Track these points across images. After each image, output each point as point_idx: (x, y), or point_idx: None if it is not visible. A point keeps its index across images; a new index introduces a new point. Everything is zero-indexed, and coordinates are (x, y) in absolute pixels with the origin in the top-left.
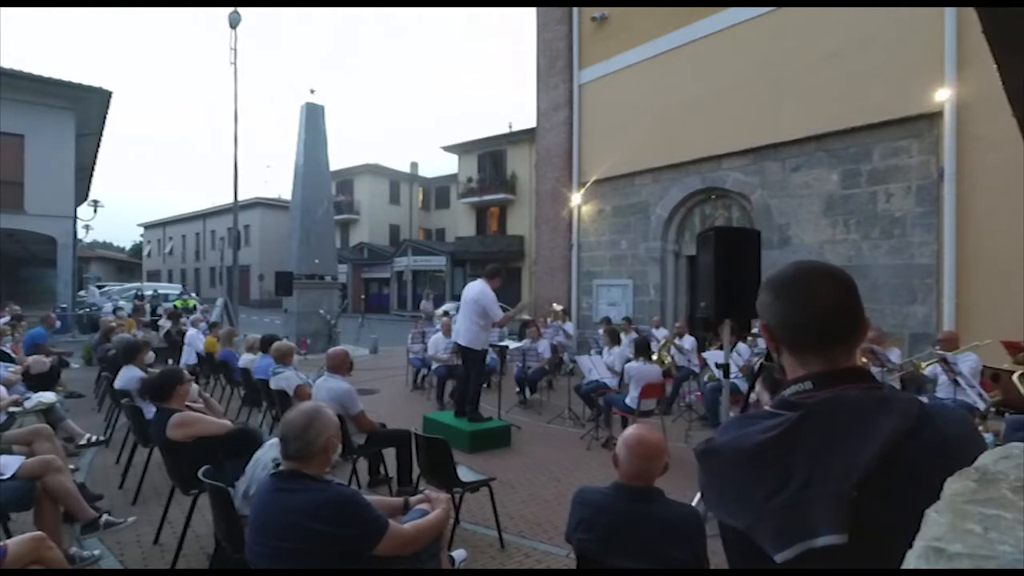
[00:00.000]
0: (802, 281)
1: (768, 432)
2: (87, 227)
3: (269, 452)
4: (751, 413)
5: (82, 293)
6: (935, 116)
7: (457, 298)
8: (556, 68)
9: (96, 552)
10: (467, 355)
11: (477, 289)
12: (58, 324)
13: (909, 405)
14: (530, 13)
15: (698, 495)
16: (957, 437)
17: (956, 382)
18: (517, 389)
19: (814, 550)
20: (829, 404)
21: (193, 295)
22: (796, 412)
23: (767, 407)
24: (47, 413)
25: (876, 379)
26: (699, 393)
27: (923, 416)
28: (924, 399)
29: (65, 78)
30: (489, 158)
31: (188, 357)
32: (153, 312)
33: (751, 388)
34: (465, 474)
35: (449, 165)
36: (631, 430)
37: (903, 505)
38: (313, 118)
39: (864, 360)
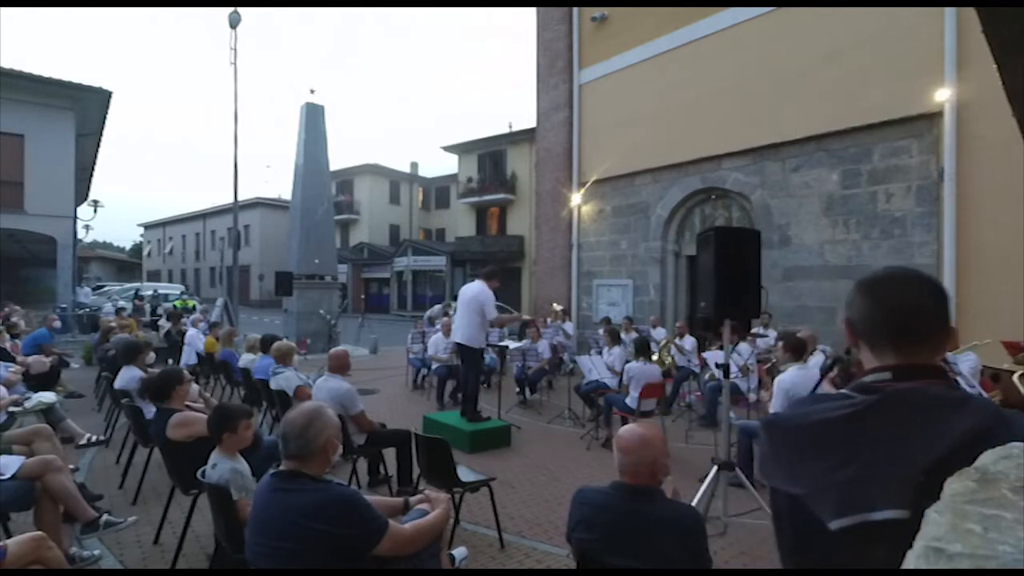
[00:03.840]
0: (887, 282)
1: (841, 410)
2: (87, 227)
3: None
4: (824, 393)
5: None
6: (935, 116)
7: (456, 299)
8: (556, 68)
9: (96, 552)
10: (465, 353)
11: (475, 289)
12: (58, 324)
13: (986, 406)
14: (530, 13)
15: (698, 494)
16: None
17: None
18: (517, 389)
19: (871, 523)
20: (907, 394)
21: (193, 296)
22: (872, 396)
23: (844, 389)
24: (47, 413)
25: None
26: (699, 393)
27: (999, 419)
28: None
29: (65, 78)
30: (489, 158)
31: (188, 357)
32: (153, 312)
33: (821, 379)
34: (465, 474)
35: (449, 165)
36: (620, 429)
37: None
38: (313, 118)
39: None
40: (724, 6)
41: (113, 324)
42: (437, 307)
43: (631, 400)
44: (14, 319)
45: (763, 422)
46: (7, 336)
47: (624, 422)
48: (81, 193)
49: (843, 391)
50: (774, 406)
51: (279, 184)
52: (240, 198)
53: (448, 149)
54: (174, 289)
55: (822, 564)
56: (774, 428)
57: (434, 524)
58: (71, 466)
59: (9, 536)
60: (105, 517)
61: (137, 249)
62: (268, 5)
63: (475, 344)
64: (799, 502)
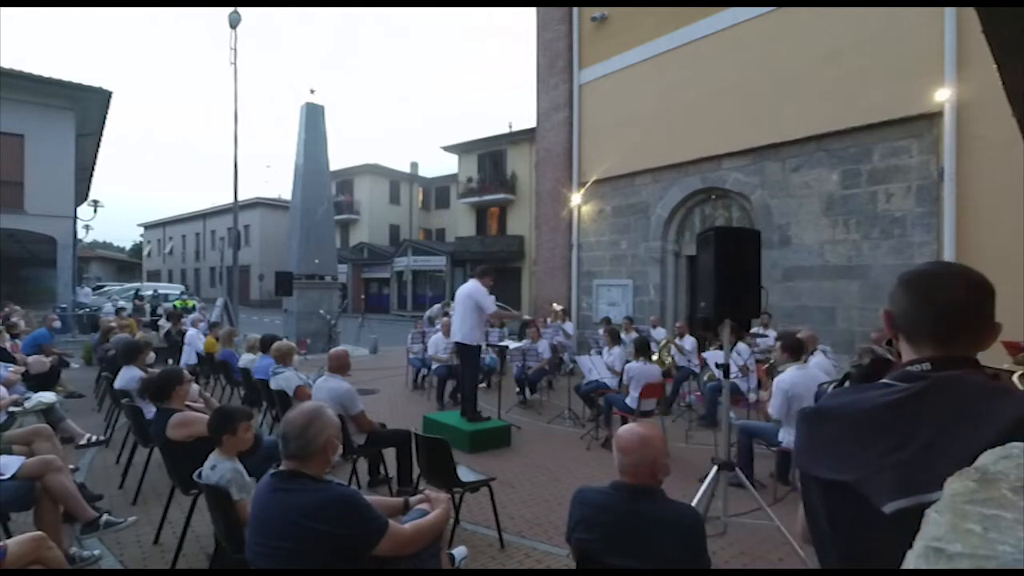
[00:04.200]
0: (930, 278)
1: (890, 396)
2: (87, 227)
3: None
4: (862, 385)
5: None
6: (935, 116)
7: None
8: (556, 68)
9: (96, 552)
10: (463, 351)
11: (470, 287)
12: (58, 324)
13: None
14: (530, 13)
15: (698, 494)
16: None
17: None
18: (517, 389)
19: (925, 504)
20: (954, 380)
21: (193, 296)
22: (920, 383)
23: (885, 379)
24: (47, 413)
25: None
26: (699, 393)
27: None
28: None
29: (65, 78)
30: (489, 158)
31: (188, 357)
32: (153, 312)
33: (867, 374)
34: (465, 474)
35: (449, 165)
36: (620, 429)
37: None
38: (313, 118)
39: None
40: (724, 6)
41: (113, 324)
42: (436, 307)
43: (631, 400)
44: (14, 319)
45: (804, 413)
46: (7, 336)
47: (624, 422)
48: (81, 193)
49: (884, 380)
50: (773, 406)
51: (279, 184)
52: (240, 198)
53: (448, 149)
54: (174, 289)
55: (863, 551)
56: (819, 418)
57: (434, 524)
58: (71, 466)
59: (9, 536)
60: (105, 517)
61: (137, 249)
62: (268, 5)
63: (472, 341)
64: (841, 489)
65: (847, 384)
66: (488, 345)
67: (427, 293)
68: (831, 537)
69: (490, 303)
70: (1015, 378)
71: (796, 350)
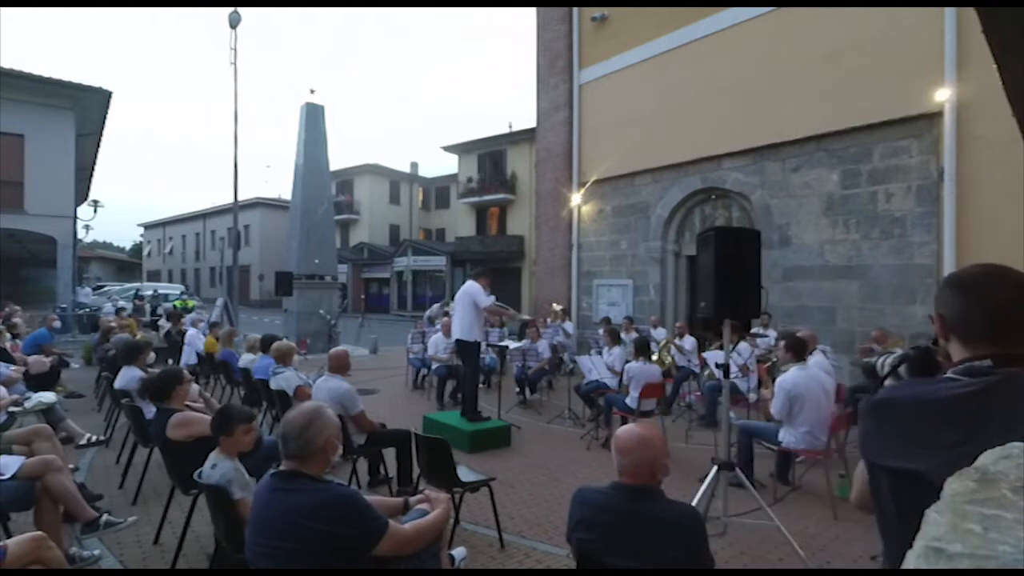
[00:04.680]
0: (982, 281)
1: (961, 389)
2: (87, 227)
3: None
4: (924, 378)
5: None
6: (935, 116)
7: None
8: (556, 68)
9: (96, 552)
10: (462, 349)
11: (466, 287)
12: (58, 324)
13: None
14: (530, 13)
15: (698, 494)
16: None
17: None
18: (517, 389)
19: None
20: (1020, 376)
21: (193, 296)
22: (989, 378)
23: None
24: (47, 413)
25: None
26: (699, 393)
27: None
28: None
29: (65, 78)
30: (489, 158)
31: (188, 357)
32: (153, 312)
33: (888, 376)
34: (465, 474)
35: (449, 165)
36: (618, 429)
37: None
38: (313, 118)
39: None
40: (724, 6)
41: (113, 324)
42: (436, 306)
43: (631, 400)
44: (15, 319)
45: (871, 403)
46: (7, 336)
47: (624, 422)
48: (81, 193)
49: (948, 375)
50: (775, 406)
51: (279, 184)
52: (240, 198)
53: (448, 149)
54: (174, 289)
55: None
56: (887, 407)
57: (434, 524)
58: (71, 466)
59: (9, 536)
60: (105, 517)
61: (137, 249)
62: (268, 5)
63: (471, 338)
64: (911, 478)
65: (903, 367)
66: (488, 345)
67: (427, 293)
68: (896, 521)
69: (483, 299)
70: None
71: (799, 350)
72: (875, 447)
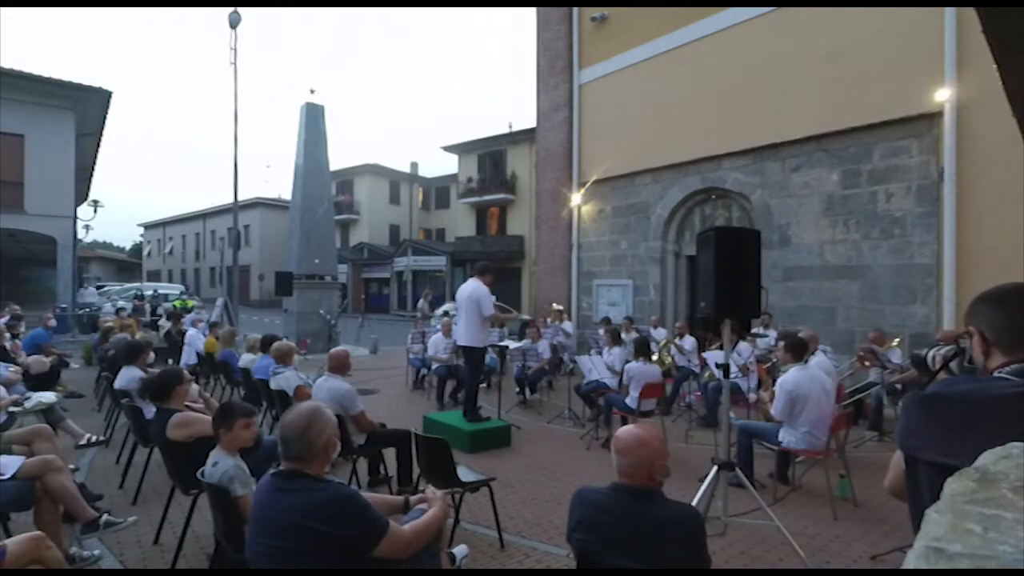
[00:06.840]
0: (1017, 293)
1: (1014, 389)
2: (87, 227)
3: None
4: (972, 376)
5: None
6: (935, 116)
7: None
8: (556, 68)
9: (96, 552)
10: (467, 353)
11: (471, 287)
12: (53, 323)
13: None
14: (530, 13)
15: (699, 494)
16: None
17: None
18: (517, 389)
19: None
20: None
21: (193, 296)
22: None
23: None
24: (47, 413)
25: None
26: (699, 393)
27: None
28: None
29: (65, 78)
30: (489, 158)
31: (188, 357)
32: (153, 312)
33: (940, 370)
34: (465, 474)
35: (449, 165)
36: (618, 430)
37: None
38: (313, 118)
39: (866, 362)
40: (724, 6)
41: (112, 325)
42: (422, 302)
43: (631, 400)
44: (19, 329)
45: (919, 397)
46: (7, 336)
47: (624, 422)
48: (81, 193)
49: (999, 375)
50: (776, 407)
51: (279, 184)
52: (240, 198)
53: (448, 149)
54: (174, 289)
55: None
56: (935, 402)
57: (431, 524)
58: (71, 466)
59: (9, 536)
60: (105, 517)
61: (137, 249)
62: (268, 5)
63: (477, 344)
64: (953, 473)
65: (956, 359)
66: (488, 345)
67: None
68: None
69: (488, 305)
70: None
71: (800, 350)
72: (918, 441)
